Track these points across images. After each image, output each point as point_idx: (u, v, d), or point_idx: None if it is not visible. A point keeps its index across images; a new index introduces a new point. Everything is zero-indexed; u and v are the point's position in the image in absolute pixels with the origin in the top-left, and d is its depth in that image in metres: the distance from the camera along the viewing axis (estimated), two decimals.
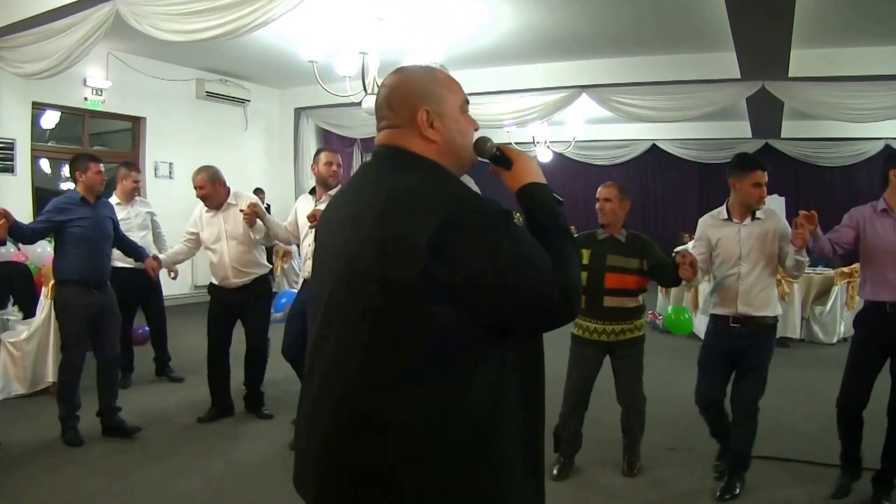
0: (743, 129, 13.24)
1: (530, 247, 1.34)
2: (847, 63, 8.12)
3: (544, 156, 13.47)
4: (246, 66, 10.48)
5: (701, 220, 4.05)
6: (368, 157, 8.18)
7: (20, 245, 5.84)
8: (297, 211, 4.88)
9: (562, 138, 13.11)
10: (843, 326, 8.22)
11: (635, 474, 4.07)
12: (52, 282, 5.09)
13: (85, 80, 9.06)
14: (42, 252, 6.10)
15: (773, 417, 4.16)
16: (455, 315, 1.31)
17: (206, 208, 4.97)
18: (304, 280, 4.81)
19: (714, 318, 3.91)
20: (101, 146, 10.24)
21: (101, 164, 4.65)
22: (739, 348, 3.75)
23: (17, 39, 7.28)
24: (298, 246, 5.14)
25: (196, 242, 5.09)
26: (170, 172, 10.35)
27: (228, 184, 5.06)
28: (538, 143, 13.18)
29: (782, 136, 13.49)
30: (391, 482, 1.34)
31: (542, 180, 1.51)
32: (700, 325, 8.35)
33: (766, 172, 3.73)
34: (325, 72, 6.71)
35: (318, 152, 4.87)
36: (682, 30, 7.81)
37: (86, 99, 9.16)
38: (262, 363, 5.13)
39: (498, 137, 11.15)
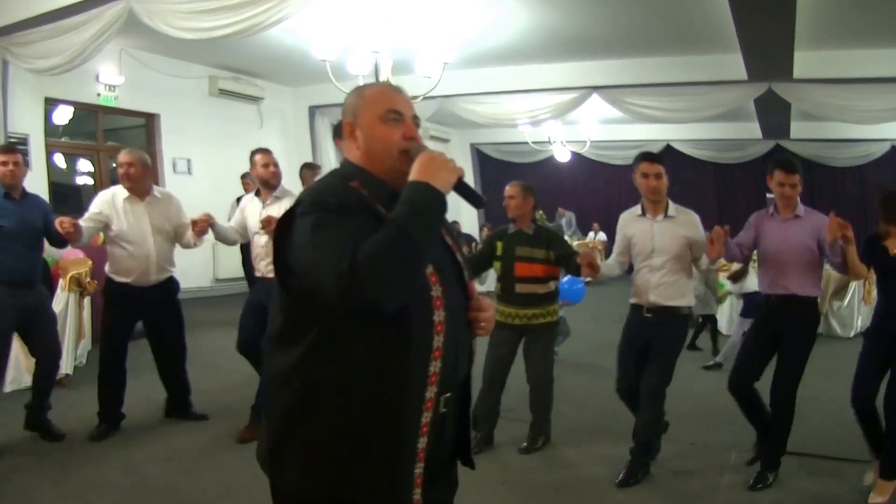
0: (754, 130, 13.22)
1: (326, 236, 1.50)
2: (851, 65, 8.13)
3: (562, 155, 13.47)
4: (259, 64, 10.51)
5: (621, 217, 4.31)
6: None
7: None
8: (245, 211, 4.88)
9: (577, 138, 13.11)
10: (860, 321, 8.27)
11: (536, 449, 4.41)
12: (69, 274, 5.13)
13: (98, 77, 9.12)
14: None
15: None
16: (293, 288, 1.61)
17: (126, 196, 4.57)
18: (257, 278, 4.79)
19: (631, 308, 4.17)
20: (114, 142, 10.29)
21: (8, 156, 4.27)
22: (651, 336, 4.00)
23: (31, 35, 7.33)
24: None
25: (99, 226, 4.58)
26: (188, 168, 10.39)
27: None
28: (554, 142, 13.19)
29: (791, 136, 13.42)
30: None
31: (433, 181, 1.57)
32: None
33: (653, 163, 4.04)
34: (338, 70, 6.73)
35: (252, 154, 4.88)
36: (690, 31, 7.81)
37: (98, 95, 9.21)
38: (184, 366, 4.98)
39: (513, 136, 11.22)
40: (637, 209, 4.18)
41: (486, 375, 4.38)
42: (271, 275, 4.93)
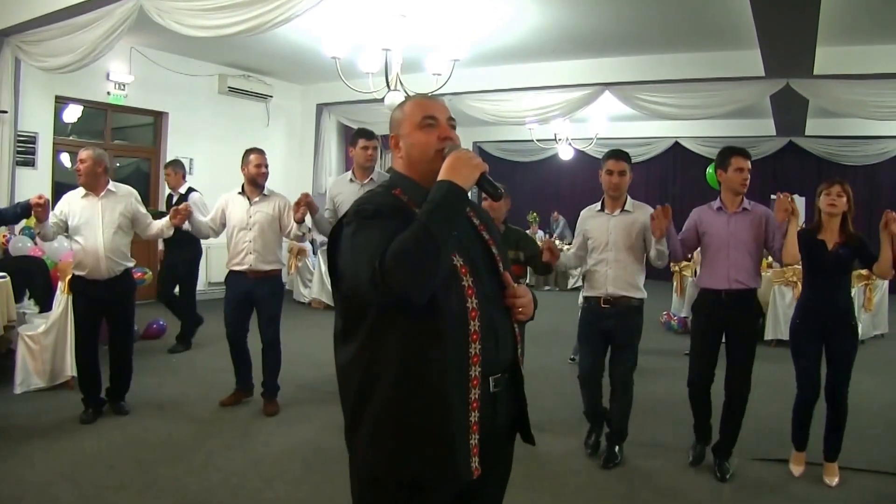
0: (766, 126, 13.09)
1: (363, 240, 1.72)
2: (874, 60, 7.98)
3: (566, 153, 13.43)
4: (268, 62, 10.49)
5: (581, 213, 4.51)
6: (388, 154, 8.23)
7: (37, 240, 5.86)
8: (227, 208, 5.17)
9: (584, 135, 13.05)
10: (861, 328, 8.09)
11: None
12: (68, 276, 5.15)
13: (108, 75, 9.12)
14: (59, 247, 6.12)
15: (788, 419, 4.16)
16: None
17: (83, 194, 4.78)
18: (239, 272, 5.07)
19: (587, 300, 4.34)
20: (122, 140, 10.31)
21: None
22: (610, 327, 4.19)
23: (42, 34, 7.34)
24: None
25: (61, 223, 4.78)
26: (189, 168, 10.37)
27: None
28: (560, 139, 13.13)
29: (806, 133, 13.30)
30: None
31: (455, 178, 1.73)
32: None
33: (619, 161, 4.21)
34: (348, 68, 6.70)
35: (247, 153, 5.20)
36: (706, 27, 7.72)
37: (108, 93, 9.22)
38: (128, 359, 5.03)
39: (518, 134, 11.19)
40: (597, 205, 4.39)
41: None
42: (259, 268, 4.95)
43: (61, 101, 8.92)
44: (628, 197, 4.29)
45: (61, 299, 5.45)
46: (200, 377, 6.01)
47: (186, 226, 5.06)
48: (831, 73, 8.10)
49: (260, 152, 5.20)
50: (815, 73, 7.92)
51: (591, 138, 12.85)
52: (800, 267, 4.15)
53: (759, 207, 4.14)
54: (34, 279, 6.03)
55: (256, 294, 5.10)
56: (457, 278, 1.77)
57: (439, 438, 1.72)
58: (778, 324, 7.94)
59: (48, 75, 8.02)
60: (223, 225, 5.20)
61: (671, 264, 8.19)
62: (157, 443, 4.47)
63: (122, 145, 10.34)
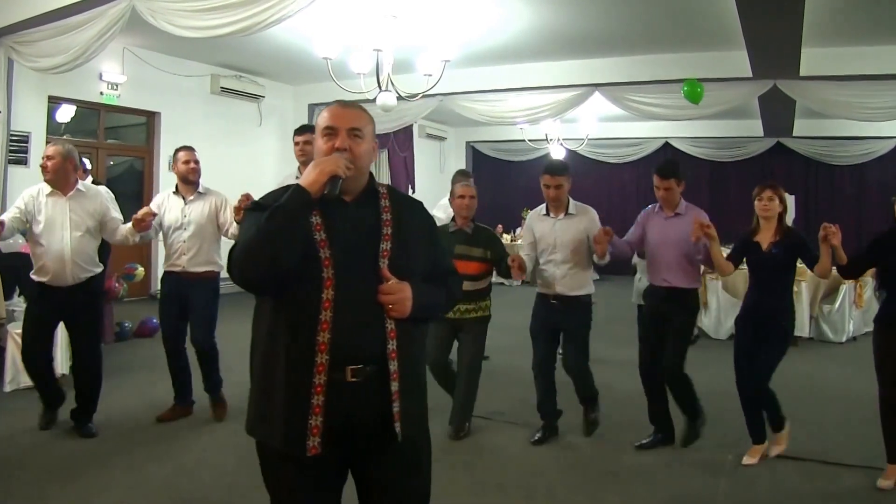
0: (755, 127, 13.19)
1: (240, 230, 2.06)
2: (859, 62, 8.07)
3: (558, 153, 13.49)
4: (260, 63, 10.52)
5: (528, 216, 4.78)
6: (382, 153, 8.30)
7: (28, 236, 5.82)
8: (164, 209, 4.87)
9: (574, 136, 13.11)
10: (852, 325, 8.21)
11: (461, 437, 4.61)
12: None
13: (101, 75, 9.13)
14: (13, 243, 6.03)
15: (790, 417, 4.22)
16: None
17: (49, 192, 4.39)
18: (166, 273, 4.94)
19: (538, 296, 4.62)
20: (115, 140, 10.32)
21: None
22: (559, 321, 4.48)
23: (34, 34, 7.34)
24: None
25: (22, 219, 4.40)
26: None
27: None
28: (551, 139, 13.19)
29: (794, 134, 13.40)
30: None
31: (304, 182, 1.91)
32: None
33: (555, 176, 4.41)
34: (339, 69, 6.75)
35: (175, 151, 5.04)
36: (694, 28, 7.79)
37: (101, 93, 9.23)
38: (96, 375, 4.62)
39: (510, 134, 11.24)
40: (542, 209, 4.61)
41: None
42: (192, 269, 4.77)
43: (54, 102, 8.92)
44: (570, 200, 4.52)
45: None
46: (195, 375, 6.02)
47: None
48: (817, 75, 8.19)
49: (189, 149, 4.96)
50: (802, 74, 8.01)
51: (581, 139, 12.92)
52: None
53: (692, 211, 4.39)
54: (24, 276, 6.02)
55: (190, 297, 4.81)
56: (317, 270, 1.89)
57: (274, 414, 1.91)
58: None
59: (41, 75, 8.02)
60: (161, 225, 4.88)
61: None
62: (150, 441, 4.47)
63: (116, 144, 10.36)
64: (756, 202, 4.16)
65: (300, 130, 4.89)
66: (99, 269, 4.63)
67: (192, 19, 6.08)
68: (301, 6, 5.50)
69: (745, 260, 4.26)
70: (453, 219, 4.73)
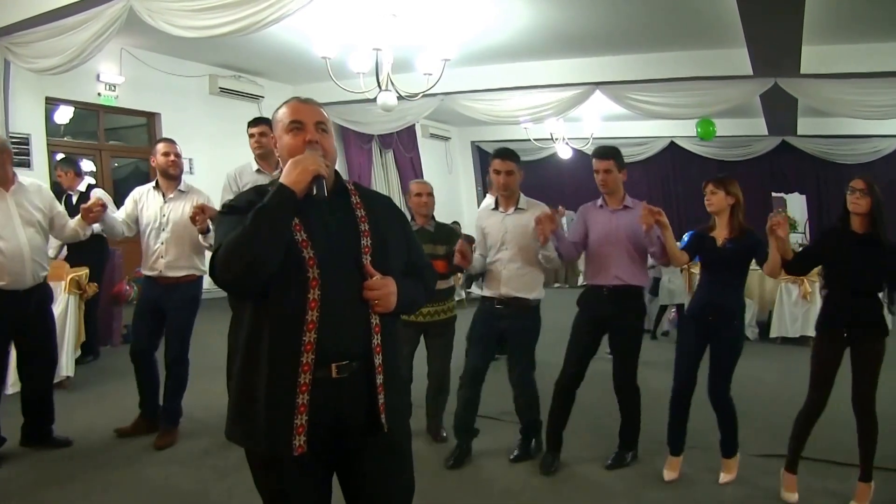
0: (759, 126, 13.14)
1: (216, 235, 1.95)
2: (860, 60, 8.04)
3: (564, 152, 13.44)
4: (259, 63, 10.47)
5: (478, 211, 4.60)
6: (388, 154, 8.25)
7: None
8: (142, 204, 4.59)
9: (580, 135, 13.06)
10: None
11: (439, 442, 4.54)
12: (69, 276, 5.11)
13: (98, 76, 9.06)
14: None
15: (785, 414, 4.14)
16: None
17: None
18: (151, 277, 4.55)
19: (482, 300, 4.31)
20: (116, 141, 10.28)
21: None
22: (504, 328, 4.16)
23: (31, 35, 7.30)
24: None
25: None
26: (190, 168, 10.35)
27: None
28: (556, 139, 13.14)
29: (798, 133, 13.34)
30: None
31: (286, 181, 1.86)
32: None
33: (505, 160, 4.14)
34: (339, 68, 6.70)
35: (155, 143, 4.76)
36: (695, 26, 7.76)
37: (99, 94, 9.17)
38: (47, 387, 4.44)
39: (515, 133, 11.20)
40: (491, 203, 4.39)
41: None
42: (169, 274, 4.46)
43: (52, 103, 8.86)
44: (521, 195, 4.28)
45: (61, 298, 5.41)
46: (193, 374, 6.00)
47: (97, 226, 4.44)
48: (818, 73, 8.15)
49: (169, 141, 4.65)
50: (802, 72, 7.97)
51: (587, 138, 12.87)
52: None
53: (640, 204, 4.05)
54: None
55: (166, 303, 4.47)
56: (301, 270, 1.86)
57: (258, 417, 1.87)
58: (783, 322, 7.92)
59: (38, 76, 7.98)
60: (137, 221, 4.59)
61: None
62: (149, 441, 4.45)
63: (120, 146, 10.33)
64: (705, 198, 4.04)
65: (254, 122, 4.78)
66: (47, 272, 4.28)
67: (190, 19, 6.04)
68: (300, 5, 5.47)
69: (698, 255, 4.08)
70: (413, 218, 4.65)
